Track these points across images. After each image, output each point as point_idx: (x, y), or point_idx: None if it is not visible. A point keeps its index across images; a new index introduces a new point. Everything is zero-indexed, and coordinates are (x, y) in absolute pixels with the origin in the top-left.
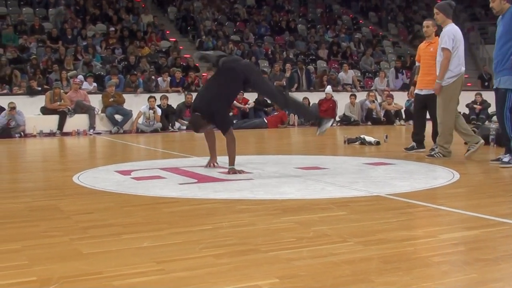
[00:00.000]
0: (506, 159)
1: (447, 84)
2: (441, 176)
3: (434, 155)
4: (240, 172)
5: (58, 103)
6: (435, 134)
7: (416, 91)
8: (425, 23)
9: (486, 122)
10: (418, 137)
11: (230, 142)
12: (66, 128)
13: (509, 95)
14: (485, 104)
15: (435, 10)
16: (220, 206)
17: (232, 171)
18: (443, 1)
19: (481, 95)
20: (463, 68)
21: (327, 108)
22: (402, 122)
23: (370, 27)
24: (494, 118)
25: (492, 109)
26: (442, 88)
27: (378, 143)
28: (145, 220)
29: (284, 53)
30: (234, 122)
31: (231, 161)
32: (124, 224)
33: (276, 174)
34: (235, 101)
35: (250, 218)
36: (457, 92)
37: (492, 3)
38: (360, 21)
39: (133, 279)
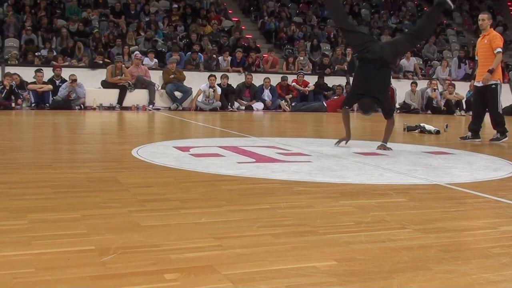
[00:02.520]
0: None
1: None
2: (501, 168)
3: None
4: (389, 149)
5: (119, 77)
6: (494, 124)
7: (475, 83)
8: (480, 16)
9: None
10: (474, 127)
11: (390, 125)
12: (125, 103)
13: None
14: None
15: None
16: (278, 186)
17: (383, 147)
18: None
19: None
20: None
21: None
22: (463, 112)
23: None
24: None
25: None
26: None
27: (438, 132)
28: (203, 196)
29: None
30: (294, 104)
31: (385, 140)
32: (183, 199)
33: (334, 158)
34: (294, 83)
35: (308, 200)
36: None
37: None
38: (425, 8)
39: (190, 253)
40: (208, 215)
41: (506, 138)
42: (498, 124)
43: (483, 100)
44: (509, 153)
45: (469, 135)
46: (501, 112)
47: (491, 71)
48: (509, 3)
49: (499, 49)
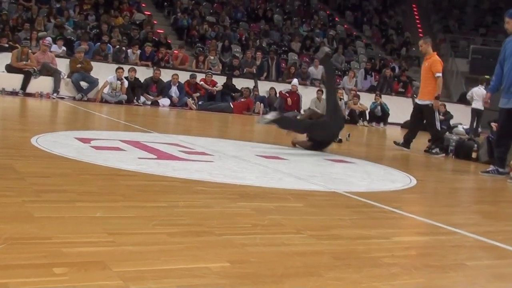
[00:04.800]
0: None
1: None
2: (398, 180)
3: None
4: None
5: (24, 62)
6: (433, 139)
7: (416, 100)
8: (419, 42)
9: (447, 133)
10: (407, 138)
11: None
12: (29, 89)
13: None
14: (448, 116)
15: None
16: (178, 184)
17: None
18: None
19: (445, 106)
20: None
21: (292, 100)
22: (365, 123)
23: (345, 26)
24: (455, 129)
25: (453, 121)
26: None
27: (340, 140)
28: (101, 190)
29: (258, 41)
30: (200, 103)
31: None
32: (79, 192)
33: (236, 159)
34: (202, 82)
35: (206, 200)
36: None
37: (506, 24)
38: (336, 19)
39: (82, 247)
40: (103, 209)
41: (443, 155)
42: (437, 140)
43: (420, 116)
44: (407, 165)
45: (401, 142)
46: (438, 128)
47: (438, 97)
48: (417, 20)
49: (439, 74)
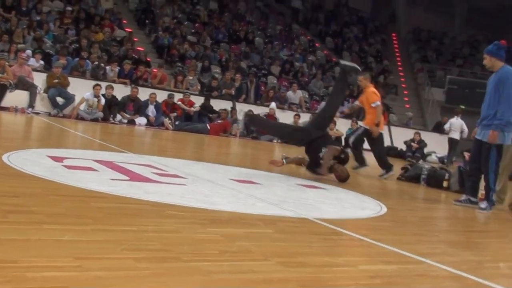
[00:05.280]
0: (483, 206)
1: None
2: (369, 207)
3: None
4: None
5: (0, 75)
6: (379, 164)
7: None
8: (359, 78)
9: (420, 161)
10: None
11: None
12: (4, 103)
13: (493, 149)
14: (422, 144)
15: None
16: (148, 208)
17: None
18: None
19: (419, 134)
20: None
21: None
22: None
23: (325, 52)
24: (429, 158)
25: (427, 149)
26: None
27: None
28: (70, 212)
29: (238, 62)
30: (177, 123)
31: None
32: (48, 214)
33: (209, 183)
34: (180, 102)
35: (176, 225)
36: None
37: (484, 60)
38: (317, 44)
39: (48, 272)
40: (72, 232)
41: (393, 172)
42: (383, 163)
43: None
44: (379, 193)
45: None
46: (382, 152)
47: (377, 124)
48: (396, 49)
49: (375, 104)
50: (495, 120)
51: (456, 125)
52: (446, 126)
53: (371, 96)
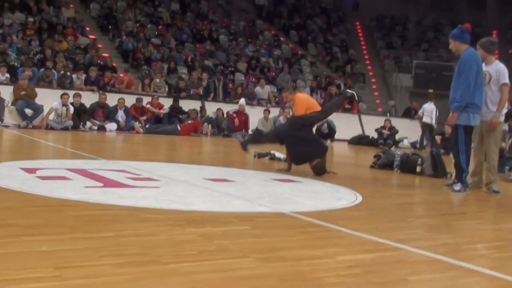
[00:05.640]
0: (457, 188)
1: (502, 121)
2: (344, 197)
3: (498, 190)
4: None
5: None
6: None
7: None
8: (284, 94)
9: (392, 148)
10: None
11: None
12: None
13: (460, 130)
14: (393, 130)
15: (478, 46)
16: (124, 213)
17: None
18: (485, 38)
19: (390, 121)
20: None
21: (240, 120)
22: None
23: (290, 45)
24: (401, 144)
25: (399, 135)
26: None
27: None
28: (47, 222)
29: (204, 61)
30: (147, 126)
31: None
32: (25, 225)
33: (183, 184)
34: (149, 105)
35: (153, 228)
36: None
37: (450, 45)
38: (281, 39)
39: (28, 284)
40: (50, 242)
41: None
42: None
43: None
44: (354, 182)
45: None
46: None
47: None
48: (361, 38)
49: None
50: (454, 102)
51: (429, 110)
52: (420, 112)
53: (296, 109)
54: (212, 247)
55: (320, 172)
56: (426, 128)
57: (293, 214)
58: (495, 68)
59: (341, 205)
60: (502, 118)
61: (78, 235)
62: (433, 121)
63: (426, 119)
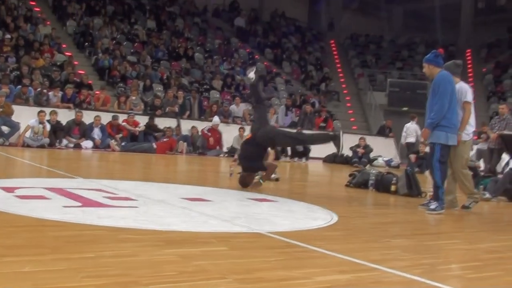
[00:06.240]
0: (432, 206)
1: (469, 139)
2: (320, 217)
3: (470, 205)
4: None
5: None
6: None
7: None
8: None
9: (367, 166)
10: None
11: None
12: None
13: (436, 148)
14: (367, 149)
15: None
16: (104, 233)
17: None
18: (450, 61)
19: (364, 139)
20: None
21: (214, 138)
22: (288, 158)
23: (265, 63)
24: (375, 162)
25: (373, 153)
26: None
27: (277, 179)
28: (28, 242)
29: (179, 79)
30: (123, 144)
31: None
32: (6, 246)
33: (161, 204)
34: (125, 123)
35: (133, 249)
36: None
37: (423, 69)
38: (256, 56)
39: None
40: (32, 263)
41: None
42: None
43: None
44: (329, 202)
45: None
46: None
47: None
48: (335, 56)
49: None
50: (428, 119)
51: (411, 130)
52: (403, 132)
53: None
54: (191, 268)
55: (244, 185)
56: (410, 148)
57: (270, 235)
58: (457, 87)
59: (317, 225)
60: (468, 137)
61: (59, 256)
62: (415, 140)
63: (410, 139)
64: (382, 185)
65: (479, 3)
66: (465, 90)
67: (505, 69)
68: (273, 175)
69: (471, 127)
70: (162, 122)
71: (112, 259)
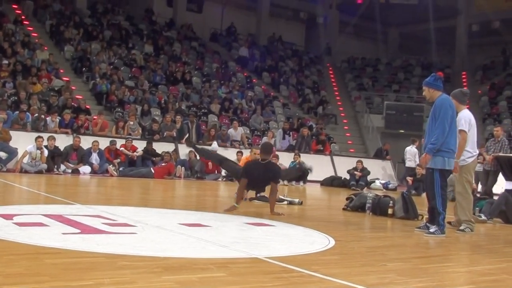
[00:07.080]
0: (432, 230)
1: (467, 164)
2: (317, 241)
3: (465, 230)
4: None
5: None
6: None
7: None
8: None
9: (365, 190)
10: None
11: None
12: None
13: (436, 175)
14: (365, 172)
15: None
16: (102, 260)
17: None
18: (457, 89)
19: (362, 162)
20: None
21: (213, 163)
22: (285, 182)
23: (262, 87)
24: (373, 185)
25: (370, 176)
26: (461, 167)
27: (301, 203)
28: (27, 270)
29: (177, 104)
30: (121, 169)
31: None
32: (5, 274)
33: (159, 230)
34: (122, 148)
35: (131, 276)
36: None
37: (423, 92)
38: (254, 80)
39: None
40: None
41: None
42: None
43: None
44: (326, 226)
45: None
46: None
47: None
48: (332, 79)
49: None
50: (429, 144)
51: (411, 153)
52: (405, 156)
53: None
54: None
55: None
56: (409, 171)
57: (267, 260)
58: (459, 115)
59: (314, 249)
60: (470, 160)
61: (58, 284)
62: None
63: (409, 163)
64: (379, 208)
65: (473, 26)
66: (459, 118)
67: (500, 91)
68: (296, 200)
69: (467, 152)
70: (160, 147)
71: (110, 286)
